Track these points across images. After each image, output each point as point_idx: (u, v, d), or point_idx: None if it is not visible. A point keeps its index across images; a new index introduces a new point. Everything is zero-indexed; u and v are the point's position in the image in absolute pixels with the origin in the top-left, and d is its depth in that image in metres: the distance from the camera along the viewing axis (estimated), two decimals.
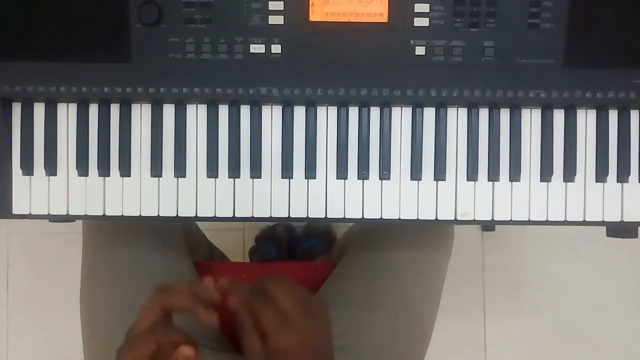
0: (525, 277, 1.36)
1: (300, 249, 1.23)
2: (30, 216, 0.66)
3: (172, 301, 0.53)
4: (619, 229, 0.67)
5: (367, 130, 0.66)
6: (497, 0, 0.63)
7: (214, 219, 0.66)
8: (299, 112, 0.66)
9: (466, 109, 0.66)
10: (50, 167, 0.66)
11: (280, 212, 0.66)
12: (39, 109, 0.66)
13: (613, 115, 0.66)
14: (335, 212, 0.66)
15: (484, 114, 0.66)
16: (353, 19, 0.63)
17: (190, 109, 0.66)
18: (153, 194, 0.65)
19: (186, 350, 0.51)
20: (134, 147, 0.66)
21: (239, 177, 0.66)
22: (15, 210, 0.66)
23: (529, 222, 0.66)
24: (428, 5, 0.63)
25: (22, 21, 0.63)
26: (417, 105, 0.65)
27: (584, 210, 0.66)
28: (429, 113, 0.66)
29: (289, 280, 0.57)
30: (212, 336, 0.74)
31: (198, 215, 0.66)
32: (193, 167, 0.66)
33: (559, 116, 0.66)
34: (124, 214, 0.66)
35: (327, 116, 0.66)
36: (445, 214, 0.66)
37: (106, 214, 0.66)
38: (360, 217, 0.66)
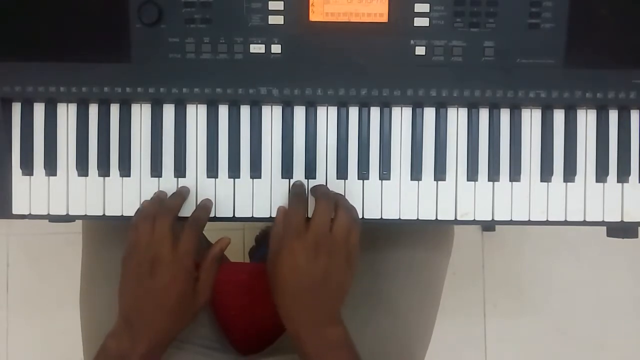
0: (526, 277, 1.36)
1: None
2: (30, 216, 0.66)
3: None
4: (619, 229, 0.67)
5: (367, 130, 0.65)
6: (497, 0, 0.63)
7: (214, 219, 0.66)
8: (299, 112, 0.66)
9: (466, 109, 0.66)
10: (50, 167, 0.66)
11: None
12: (39, 109, 0.66)
13: (613, 116, 0.66)
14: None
15: (484, 114, 0.66)
16: (353, 19, 0.63)
17: (190, 109, 0.66)
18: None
19: (226, 240, 0.64)
20: (134, 147, 0.66)
21: (238, 177, 0.66)
22: (15, 210, 0.66)
23: (529, 223, 0.66)
24: (428, 5, 0.63)
25: (22, 21, 0.63)
26: (417, 105, 0.65)
27: (584, 211, 0.66)
28: (429, 113, 0.66)
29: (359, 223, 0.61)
30: (212, 336, 0.74)
31: None
32: (193, 167, 0.66)
33: (559, 116, 0.66)
34: (124, 214, 0.66)
35: (327, 116, 0.66)
36: (446, 214, 0.66)
37: (106, 214, 0.66)
38: (361, 217, 0.65)
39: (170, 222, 0.59)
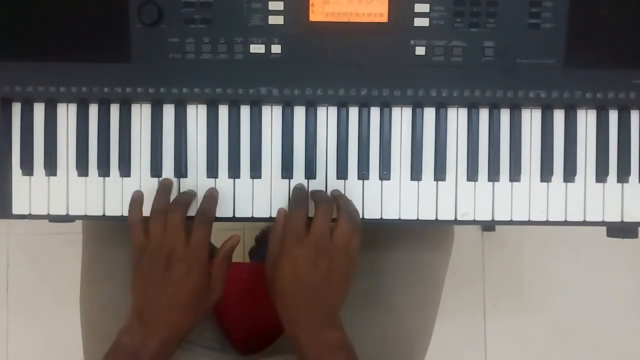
0: (526, 277, 1.36)
1: None
2: (30, 216, 0.66)
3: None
4: (619, 229, 0.67)
5: (367, 130, 0.65)
6: (497, 0, 0.63)
7: (214, 219, 0.65)
8: (299, 112, 0.66)
9: (466, 109, 0.66)
10: (50, 167, 0.65)
11: None
12: (39, 109, 0.66)
13: (613, 116, 0.66)
14: (335, 213, 0.65)
15: (484, 114, 0.66)
16: (353, 19, 0.63)
17: (190, 109, 0.66)
18: (153, 195, 0.65)
19: (236, 238, 0.64)
20: (134, 147, 0.66)
21: (238, 177, 0.66)
22: (15, 210, 0.66)
23: (529, 223, 0.66)
24: (428, 5, 0.63)
25: (22, 21, 0.63)
26: (417, 105, 0.65)
27: (584, 211, 0.66)
28: (429, 113, 0.66)
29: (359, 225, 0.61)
30: (212, 336, 0.74)
31: None
32: (193, 167, 0.66)
33: (559, 116, 0.66)
34: (124, 214, 0.66)
35: (327, 116, 0.66)
36: (446, 214, 0.66)
37: (106, 214, 0.66)
38: (360, 217, 0.65)
39: (182, 217, 0.60)
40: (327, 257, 0.58)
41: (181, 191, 0.65)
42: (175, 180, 0.66)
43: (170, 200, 0.62)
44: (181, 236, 0.59)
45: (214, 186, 0.66)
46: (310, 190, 0.65)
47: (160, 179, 0.65)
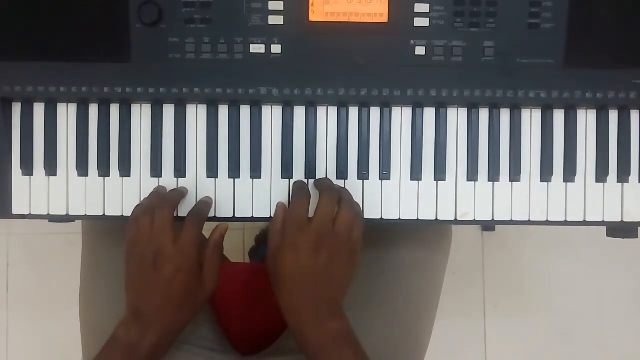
0: (526, 277, 1.36)
1: None
2: (30, 216, 0.66)
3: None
4: (619, 229, 0.67)
5: (367, 130, 0.66)
6: (497, 0, 0.63)
7: (214, 219, 0.66)
8: (299, 112, 0.66)
9: (466, 109, 0.66)
10: (50, 167, 0.66)
11: None
12: (39, 109, 0.66)
13: (613, 116, 0.66)
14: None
15: (484, 114, 0.66)
16: (353, 19, 0.63)
17: (190, 109, 0.66)
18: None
19: (224, 226, 0.63)
20: (134, 147, 0.66)
21: (239, 177, 0.66)
22: (15, 210, 0.66)
23: (529, 223, 0.66)
24: (428, 5, 0.63)
25: (22, 21, 0.63)
26: (417, 105, 0.65)
27: (584, 211, 0.66)
28: (429, 113, 0.66)
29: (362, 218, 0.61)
30: (212, 337, 0.74)
31: None
32: (193, 167, 0.66)
33: (559, 116, 0.66)
34: (124, 214, 0.66)
35: (327, 116, 0.66)
36: (446, 214, 0.66)
37: (106, 214, 0.66)
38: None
39: (169, 214, 0.59)
40: (328, 246, 0.58)
41: None
42: (175, 180, 0.66)
43: None
44: (169, 234, 0.58)
45: (213, 186, 0.66)
46: (314, 180, 0.65)
47: (156, 186, 0.65)
